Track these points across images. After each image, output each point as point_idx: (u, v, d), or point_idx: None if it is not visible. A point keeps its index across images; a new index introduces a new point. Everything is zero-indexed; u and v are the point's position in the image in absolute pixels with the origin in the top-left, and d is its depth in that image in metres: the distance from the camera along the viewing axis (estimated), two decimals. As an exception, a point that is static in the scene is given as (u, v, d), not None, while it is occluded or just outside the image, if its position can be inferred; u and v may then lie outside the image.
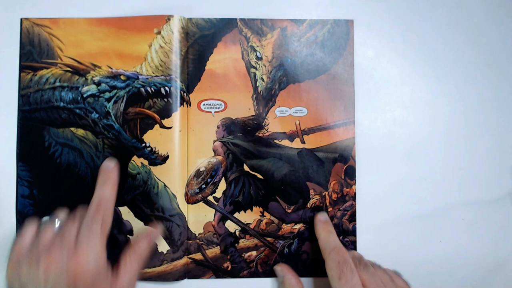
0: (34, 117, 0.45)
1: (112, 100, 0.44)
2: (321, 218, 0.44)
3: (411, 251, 0.46)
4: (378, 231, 0.44)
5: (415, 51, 0.47)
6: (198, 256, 0.45)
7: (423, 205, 0.46)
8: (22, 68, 0.45)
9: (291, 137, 0.46)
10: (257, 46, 0.45)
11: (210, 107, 0.45)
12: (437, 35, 0.47)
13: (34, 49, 0.45)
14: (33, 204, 0.45)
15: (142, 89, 0.44)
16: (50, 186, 0.45)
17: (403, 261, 0.46)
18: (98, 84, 0.45)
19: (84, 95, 0.45)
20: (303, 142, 0.45)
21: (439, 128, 0.47)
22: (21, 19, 0.45)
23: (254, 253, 0.45)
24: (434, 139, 0.47)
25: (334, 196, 0.45)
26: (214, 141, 0.45)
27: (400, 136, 0.47)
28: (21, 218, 0.44)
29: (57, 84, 0.45)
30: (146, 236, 0.42)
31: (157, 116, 0.44)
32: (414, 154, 0.47)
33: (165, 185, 0.44)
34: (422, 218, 0.46)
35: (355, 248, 0.45)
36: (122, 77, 0.44)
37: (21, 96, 0.45)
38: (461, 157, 0.47)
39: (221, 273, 0.45)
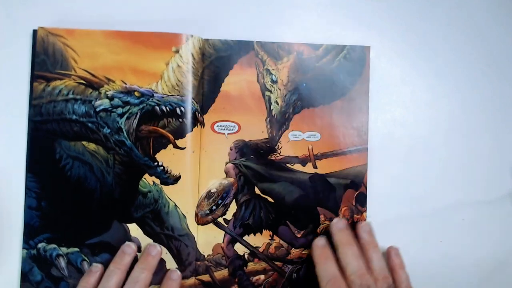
0: (46, 128, 0.45)
1: (125, 116, 0.44)
2: (319, 244, 0.44)
3: (411, 250, 0.46)
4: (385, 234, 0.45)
5: (415, 51, 0.48)
6: (206, 277, 0.45)
7: (423, 205, 0.47)
8: (35, 78, 0.45)
9: (303, 161, 0.46)
10: (273, 69, 0.45)
11: (224, 129, 0.45)
12: (437, 35, 0.48)
13: (48, 59, 0.45)
14: (40, 216, 0.44)
15: (157, 108, 0.44)
16: (58, 199, 0.45)
17: (405, 261, 0.46)
18: (111, 98, 0.44)
19: (97, 109, 0.44)
20: (315, 167, 0.46)
21: (440, 128, 0.47)
22: (36, 28, 0.45)
23: (262, 277, 0.45)
24: (434, 139, 0.47)
25: (344, 223, 0.45)
26: (226, 163, 0.45)
27: (400, 136, 0.47)
28: (28, 230, 0.44)
29: (70, 96, 0.45)
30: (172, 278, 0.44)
31: (171, 136, 0.44)
32: (414, 154, 0.47)
33: (175, 204, 0.44)
34: (422, 218, 0.47)
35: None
36: (136, 93, 0.44)
37: (33, 106, 0.45)
38: (462, 157, 0.47)
39: (228, 295, 0.45)
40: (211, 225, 0.45)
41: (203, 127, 0.45)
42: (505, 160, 0.47)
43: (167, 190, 0.44)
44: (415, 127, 0.47)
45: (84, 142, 0.45)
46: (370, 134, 0.46)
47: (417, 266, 0.46)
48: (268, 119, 0.46)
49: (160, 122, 0.44)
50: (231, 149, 0.45)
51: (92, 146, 0.45)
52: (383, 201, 0.46)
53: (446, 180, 0.47)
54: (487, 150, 0.47)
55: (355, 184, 0.46)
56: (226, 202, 0.45)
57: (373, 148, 0.46)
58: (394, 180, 0.47)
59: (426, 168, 0.47)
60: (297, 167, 0.46)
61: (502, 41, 0.48)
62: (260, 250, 0.45)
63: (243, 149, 0.45)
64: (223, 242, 0.45)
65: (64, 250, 0.45)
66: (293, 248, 0.45)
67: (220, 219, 0.45)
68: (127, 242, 0.44)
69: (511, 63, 0.48)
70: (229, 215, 0.45)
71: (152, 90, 0.44)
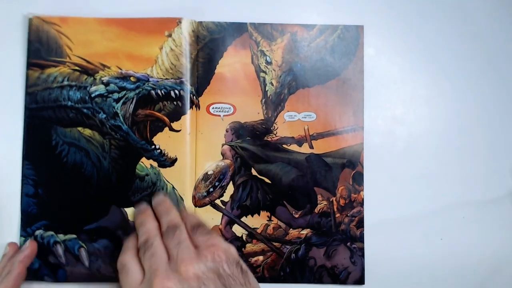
0: (42, 115, 0.45)
1: (121, 101, 0.44)
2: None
3: (412, 248, 0.46)
4: (385, 236, 0.45)
5: (415, 49, 0.48)
6: (204, 259, 0.45)
7: (424, 204, 0.47)
8: (29, 66, 0.45)
9: (299, 142, 0.46)
10: (267, 50, 0.46)
11: (219, 111, 0.45)
12: (437, 33, 0.48)
13: (42, 47, 0.45)
14: (37, 203, 0.44)
15: (153, 92, 0.44)
16: (55, 186, 0.44)
17: (404, 258, 0.46)
18: (106, 84, 0.45)
19: (92, 95, 0.44)
20: (311, 147, 0.46)
21: (440, 126, 0.47)
22: (31, 17, 0.45)
23: (261, 258, 0.45)
24: (434, 138, 0.47)
25: (342, 201, 0.45)
26: (223, 145, 0.45)
27: (400, 134, 0.47)
28: (25, 217, 0.44)
29: (65, 83, 0.45)
30: None
31: (166, 119, 0.44)
32: (414, 153, 0.47)
33: (173, 187, 0.44)
34: (423, 216, 0.46)
35: (363, 255, 0.45)
36: (132, 78, 0.44)
37: (28, 94, 0.45)
38: (462, 155, 0.47)
39: (226, 277, 0.45)
40: (208, 207, 0.45)
41: (199, 109, 0.45)
42: (505, 159, 0.47)
43: (165, 172, 0.44)
44: (415, 125, 0.47)
45: (79, 128, 0.45)
46: (369, 132, 0.46)
47: (417, 263, 0.46)
48: (264, 100, 0.46)
49: (156, 106, 0.44)
50: (227, 131, 0.45)
51: (87, 131, 0.45)
52: (382, 199, 0.46)
53: (446, 178, 0.47)
54: (488, 149, 0.47)
55: (352, 164, 0.46)
56: (223, 184, 0.45)
57: (372, 146, 0.46)
58: (394, 178, 0.47)
59: (426, 166, 0.47)
60: (294, 147, 0.46)
61: (502, 40, 0.48)
62: (258, 231, 0.45)
63: (239, 131, 0.45)
64: (220, 224, 0.45)
65: (61, 237, 0.44)
66: (291, 229, 0.45)
67: (218, 201, 0.45)
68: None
69: (511, 61, 0.48)
70: (226, 197, 0.45)
71: (148, 74, 0.44)
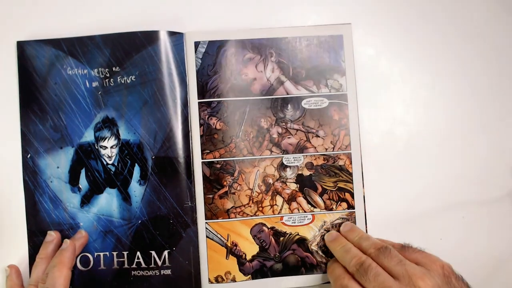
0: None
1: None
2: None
3: None
4: (385, 236, 0.44)
5: (415, 50, 0.48)
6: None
7: (423, 203, 0.47)
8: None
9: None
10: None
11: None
12: (438, 33, 0.48)
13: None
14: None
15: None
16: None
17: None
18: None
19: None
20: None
21: (440, 126, 0.47)
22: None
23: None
24: (434, 138, 0.47)
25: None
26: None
27: (400, 134, 0.47)
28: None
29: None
30: None
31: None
32: (414, 153, 0.47)
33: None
34: (423, 216, 0.47)
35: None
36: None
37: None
38: (462, 155, 0.47)
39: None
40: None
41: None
42: (505, 159, 0.47)
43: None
44: (415, 126, 0.47)
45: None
46: (370, 132, 0.47)
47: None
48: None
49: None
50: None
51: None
52: (382, 200, 0.46)
53: (446, 178, 0.47)
54: (488, 149, 0.47)
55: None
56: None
57: (373, 146, 0.46)
58: (394, 178, 0.47)
59: (426, 166, 0.47)
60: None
61: (502, 40, 0.48)
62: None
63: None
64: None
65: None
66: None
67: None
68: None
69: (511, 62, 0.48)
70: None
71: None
